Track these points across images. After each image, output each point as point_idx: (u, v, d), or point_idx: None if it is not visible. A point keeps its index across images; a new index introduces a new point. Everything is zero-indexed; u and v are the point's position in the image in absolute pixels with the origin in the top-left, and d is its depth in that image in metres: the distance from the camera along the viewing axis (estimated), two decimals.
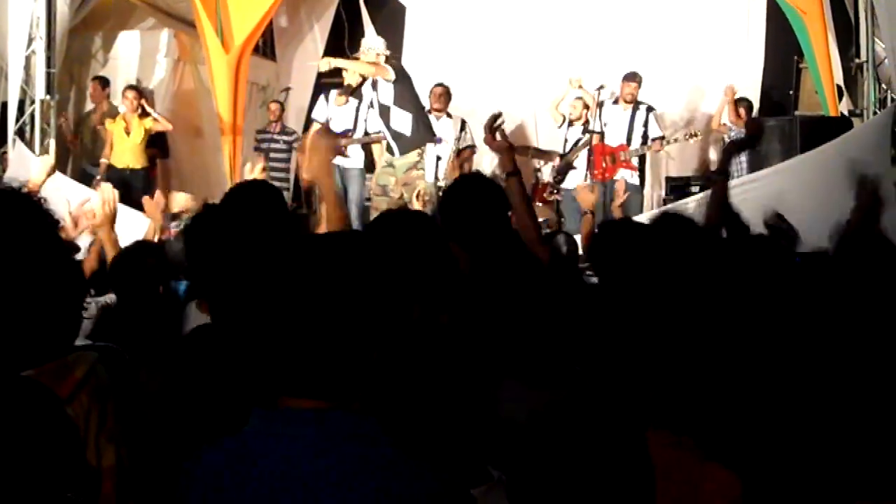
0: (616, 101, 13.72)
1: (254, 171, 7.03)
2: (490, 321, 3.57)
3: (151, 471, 2.43)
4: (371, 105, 11.95)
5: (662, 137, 13.49)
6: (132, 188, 12.88)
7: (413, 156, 11.52)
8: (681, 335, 3.35)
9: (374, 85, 11.69)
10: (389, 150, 11.77)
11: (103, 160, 13.89)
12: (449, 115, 14.15)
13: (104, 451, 2.34)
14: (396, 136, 11.52)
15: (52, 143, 13.77)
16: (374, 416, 2.07)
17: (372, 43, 12.26)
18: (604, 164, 13.30)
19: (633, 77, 13.68)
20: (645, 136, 13.49)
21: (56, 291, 2.32)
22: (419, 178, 11.35)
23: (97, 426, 2.34)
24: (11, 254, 2.26)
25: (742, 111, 14.23)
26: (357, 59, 12.21)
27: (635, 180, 13.47)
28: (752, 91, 15.24)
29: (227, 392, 3.00)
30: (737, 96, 14.38)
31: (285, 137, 14.79)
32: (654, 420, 3.07)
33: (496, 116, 5.50)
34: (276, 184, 11.38)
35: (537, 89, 14.79)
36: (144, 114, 13.94)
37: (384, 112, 11.56)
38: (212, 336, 3.43)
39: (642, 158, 13.82)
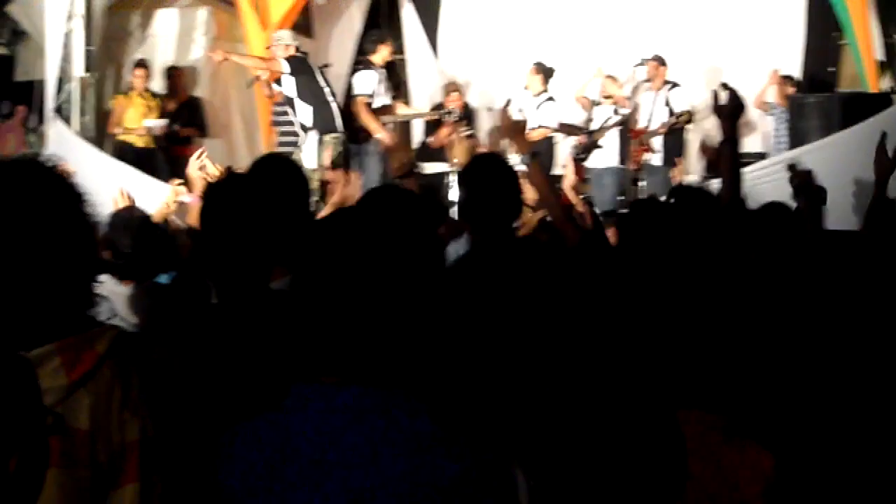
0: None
1: None
2: (520, 299, 3.55)
3: (176, 446, 2.42)
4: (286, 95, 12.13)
5: (687, 112, 13.43)
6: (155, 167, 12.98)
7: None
8: (712, 314, 3.33)
9: (278, 80, 12.08)
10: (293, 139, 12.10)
11: (118, 135, 13.89)
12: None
13: (128, 425, 2.33)
14: (304, 128, 11.86)
15: (90, 120, 13.82)
16: (416, 394, 2.06)
17: (281, 35, 12.51)
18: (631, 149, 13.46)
19: (659, 60, 13.66)
20: (671, 114, 13.47)
21: (70, 265, 2.31)
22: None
23: (120, 401, 2.33)
24: (25, 224, 2.25)
25: (791, 90, 14.11)
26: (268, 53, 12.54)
27: (657, 161, 13.46)
28: (793, 68, 15.12)
29: (256, 369, 3.00)
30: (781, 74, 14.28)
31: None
32: (685, 399, 3.06)
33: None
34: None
35: (573, 69, 14.68)
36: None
37: (290, 104, 11.95)
38: (218, 315, 3.42)
39: (677, 136, 13.69)
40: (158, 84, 14.66)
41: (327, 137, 11.73)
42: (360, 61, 13.41)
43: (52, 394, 2.17)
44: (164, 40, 15.46)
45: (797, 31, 15.33)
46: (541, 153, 5.08)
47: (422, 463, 1.96)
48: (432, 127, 14.65)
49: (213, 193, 3.63)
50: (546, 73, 13.70)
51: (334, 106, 12.17)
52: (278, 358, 2.76)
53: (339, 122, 12.01)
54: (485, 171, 4.60)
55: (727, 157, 4.84)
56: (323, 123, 11.83)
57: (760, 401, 3.25)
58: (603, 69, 14.24)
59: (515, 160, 5.31)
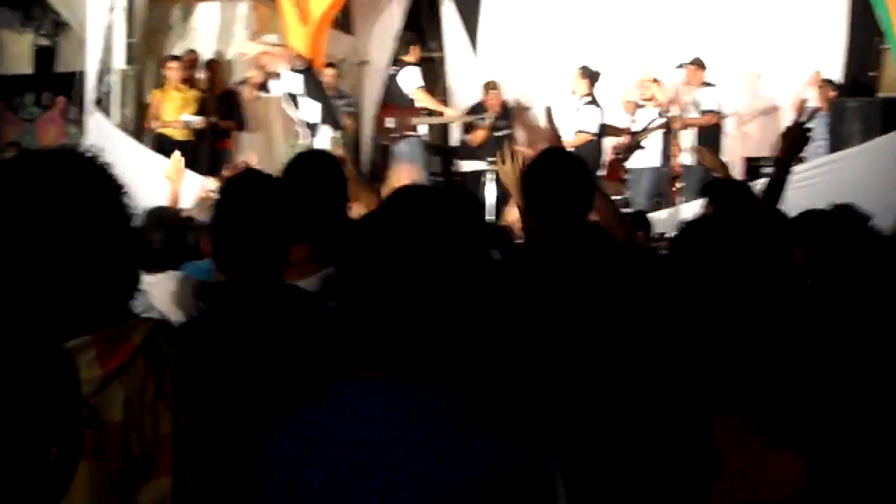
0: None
1: None
2: (567, 299, 3.53)
3: (210, 440, 2.42)
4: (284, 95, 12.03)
5: (713, 111, 13.46)
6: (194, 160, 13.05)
7: (307, 139, 11.77)
8: (747, 320, 3.30)
9: (263, 85, 12.14)
10: (295, 135, 12.03)
11: (156, 128, 13.90)
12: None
13: (161, 419, 2.34)
14: (307, 125, 11.77)
15: (131, 112, 13.89)
16: (458, 392, 2.05)
17: (270, 38, 12.61)
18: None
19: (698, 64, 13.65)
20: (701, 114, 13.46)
21: (109, 256, 2.31)
22: None
23: (154, 394, 2.33)
24: (66, 213, 2.25)
25: (833, 93, 14.04)
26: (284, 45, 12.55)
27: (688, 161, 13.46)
28: (834, 72, 15.05)
29: (294, 364, 3.00)
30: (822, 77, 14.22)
31: (346, 101, 14.49)
32: (719, 404, 3.04)
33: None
34: None
35: (613, 70, 14.64)
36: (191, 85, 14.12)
37: (293, 101, 11.80)
38: (240, 310, 3.41)
39: (711, 134, 13.64)
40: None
41: (337, 133, 11.81)
42: (398, 62, 13.43)
43: (86, 385, 2.16)
44: (205, 34, 15.52)
45: (839, 35, 15.26)
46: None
47: (462, 462, 1.96)
48: (470, 125, 14.66)
49: (228, 190, 3.64)
50: (591, 76, 13.69)
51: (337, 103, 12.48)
52: (317, 353, 2.76)
53: (341, 119, 12.19)
54: (555, 165, 4.56)
55: (776, 176, 4.85)
56: (332, 120, 11.88)
57: (797, 408, 3.23)
58: (649, 72, 14.21)
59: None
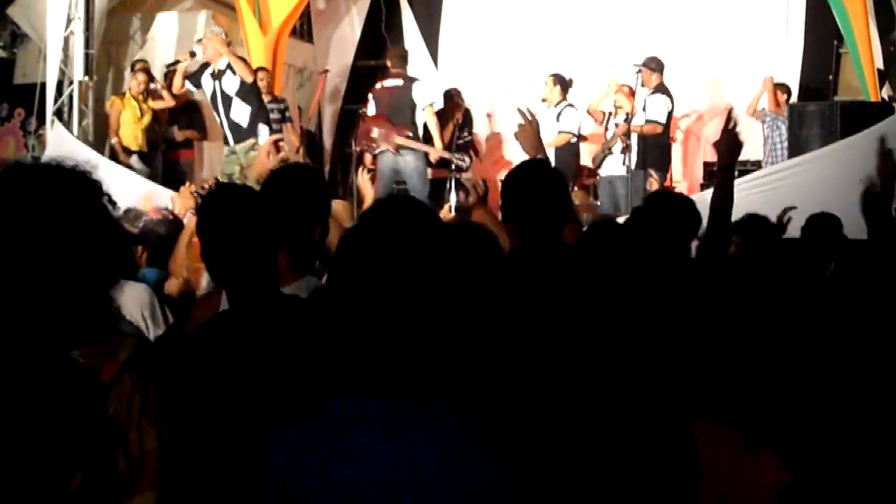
0: (653, 92, 13.62)
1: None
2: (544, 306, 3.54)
3: (194, 454, 2.41)
4: (213, 94, 12.04)
5: (654, 121, 13.33)
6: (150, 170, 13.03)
7: (249, 139, 11.85)
8: (728, 325, 3.33)
9: (218, 75, 11.91)
10: (226, 140, 12.04)
11: (114, 141, 13.82)
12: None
13: (146, 434, 2.32)
14: (234, 126, 11.85)
15: (90, 123, 13.83)
16: (457, 403, 2.05)
17: (217, 29, 12.50)
18: None
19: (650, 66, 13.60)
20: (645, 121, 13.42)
21: (99, 271, 2.30)
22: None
23: (139, 409, 2.32)
24: (52, 228, 2.23)
25: (783, 97, 14.15)
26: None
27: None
28: (792, 76, 15.17)
29: (289, 376, 2.99)
30: (775, 82, 14.28)
31: (278, 106, 14.45)
32: (700, 408, 3.05)
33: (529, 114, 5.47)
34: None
35: (574, 76, 14.69)
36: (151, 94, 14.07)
37: (226, 101, 11.85)
38: (236, 322, 3.42)
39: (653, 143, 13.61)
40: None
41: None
42: (395, 74, 13.36)
43: None
44: (164, 44, 15.46)
45: (796, 39, 15.38)
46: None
47: (463, 473, 1.96)
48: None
49: (206, 205, 3.67)
50: (563, 84, 13.68)
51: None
52: (313, 365, 2.76)
53: (271, 123, 12.37)
54: (532, 176, 4.60)
55: (724, 182, 4.87)
56: (259, 123, 12.03)
57: (776, 410, 3.25)
58: (616, 80, 14.21)
59: None
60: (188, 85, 12.47)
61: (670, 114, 13.39)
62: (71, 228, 2.24)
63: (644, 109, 13.28)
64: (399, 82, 13.01)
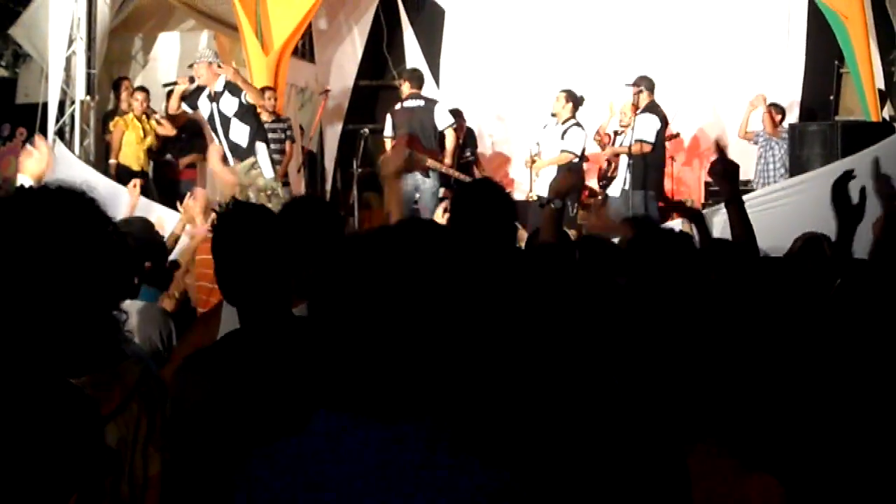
0: (641, 111, 13.56)
1: None
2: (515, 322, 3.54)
3: (194, 477, 2.42)
4: (211, 116, 12.14)
5: (642, 140, 13.24)
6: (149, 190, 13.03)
7: (249, 158, 11.95)
8: (720, 347, 3.32)
9: (215, 97, 12.02)
10: (225, 159, 11.85)
11: (112, 162, 13.87)
12: None
13: (151, 459, 2.34)
14: (233, 146, 11.93)
15: (91, 143, 13.84)
16: (439, 423, 2.05)
17: (205, 53, 12.49)
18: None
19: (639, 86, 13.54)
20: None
21: (104, 296, 2.27)
22: (258, 176, 11.76)
23: (146, 435, 2.33)
24: (62, 253, 2.19)
25: (777, 117, 14.12)
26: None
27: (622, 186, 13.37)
28: (793, 96, 15.18)
29: (280, 396, 2.99)
30: (769, 102, 14.22)
31: (281, 125, 14.51)
32: (694, 431, 3.05)
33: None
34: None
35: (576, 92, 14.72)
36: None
37: (224, 122, 11.97)
38: (247, 341, 3.41)
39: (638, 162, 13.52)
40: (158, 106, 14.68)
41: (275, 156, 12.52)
42: (425, 96, 13.43)
43: None
44: (166, 64, 15.49)
45: (797, 59, 15.39)
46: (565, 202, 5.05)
47: (448, 491, 1.96)
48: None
49: (222, 224, 3.65)
50: (575, 101, 13.61)
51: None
52: (301, 384, 2.76)
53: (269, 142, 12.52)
54: (479, 195, 4.63)
55: (735, 216, 4.83)
56: (257, 143, 12.15)
57: (770, 432, 3.24)
58: (613, 103, 14.21)
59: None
60: (184, 106, 12.49)
61: (661, 132, 13.28)
62: (73, 254, 2.20)
63: (632, 129, 13.24)
64: (420, 103, 13.10)
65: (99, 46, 13.89)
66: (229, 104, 11.90)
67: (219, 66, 12.06)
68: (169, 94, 14.15)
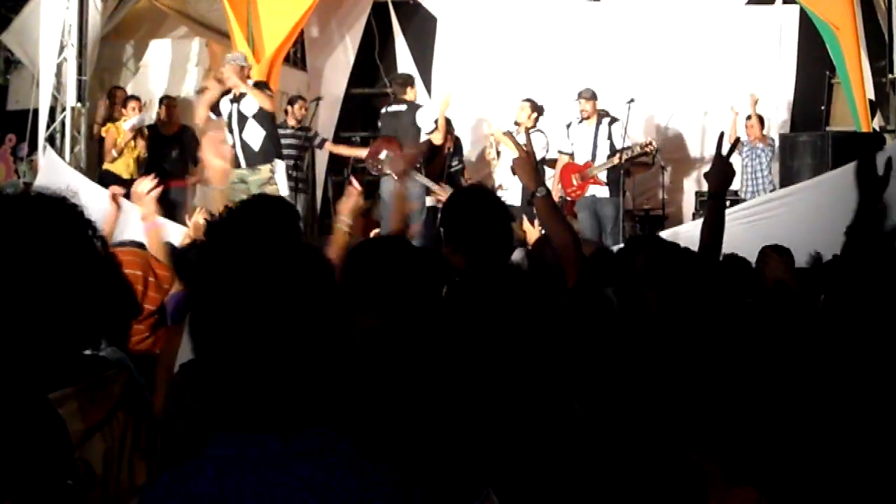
0: (581, 120, 13.57)
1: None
2: (488, 334, 3.54)
3: None
4: (229, 115, 12.21)
5: (627, 148, 13.23)
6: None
7: (265, 171, 12.07)
8: (709, 363, 3.33)
9: (238, 98, 12.16)
10: (237, 163, 12.04)
11: (106, 167, 13.85)
12: None
13: (137, 468, 2.32)
14: (244, 146, 12.03)
15: (82, 150, 13.81)
16: (340, 434, 2.05)
17: (237, 56, 12.61)
18: (574, 183, 13.38)
19: (587, 94, 13.51)
20: (612, 149, 13.28)
21: (89, 304, 2.25)
22: (273, 192, 11.45)
23: (131, 445, 2.32)
24: (37, 259, 2.17)
25: (760, 127, 14.10)
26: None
27: (605, 193, 13.28)
28: (784, 106, 15.22)
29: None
30: (758, 111, 14.21)
31: (305, 133, 14.39)
32: (684, 446, 3.05)
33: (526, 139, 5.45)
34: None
35: (566, 102, 14.72)
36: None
37: (241, 121, 12.08)
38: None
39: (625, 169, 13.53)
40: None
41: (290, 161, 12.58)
42: (397, 100, 13.46)
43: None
44: (157, 71, 15.47)
45: (788, 69, 15.43)
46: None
47: (350, 499, 1.98)
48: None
49: (214, 230, 3.64)
50: (539, 110, 13.68)
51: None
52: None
53: (280, 151, 12.54)
54: (475, 202, 4.61)
55: (712, 212, 4.81)
56: (271, 150, 12.25)
57: (758, 447, 3.25)
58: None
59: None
60: (211, 115, 12.49)
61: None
62: (52, 260, 2.16)
63: (609, 137, 13.37)
64: (403, 107, 13.12)
65: (90, 53, 13.87)
66: (250, 105, 12.03)
67: (249, 71, 12.28)
68: (166, 100, 14.20)
